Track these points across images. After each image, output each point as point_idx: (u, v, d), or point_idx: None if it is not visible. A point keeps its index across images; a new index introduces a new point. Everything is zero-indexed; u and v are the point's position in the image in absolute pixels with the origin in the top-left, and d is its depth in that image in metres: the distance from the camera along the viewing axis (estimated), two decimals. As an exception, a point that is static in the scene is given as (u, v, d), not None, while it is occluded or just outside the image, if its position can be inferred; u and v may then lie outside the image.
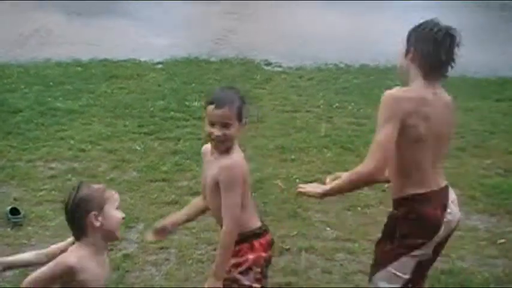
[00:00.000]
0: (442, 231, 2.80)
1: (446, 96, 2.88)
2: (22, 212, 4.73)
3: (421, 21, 2.87)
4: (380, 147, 2.69)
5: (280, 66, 9.12)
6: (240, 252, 2.83)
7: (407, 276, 2.82)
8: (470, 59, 9.20)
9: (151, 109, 7.28)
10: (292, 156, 6.11)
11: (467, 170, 5.84)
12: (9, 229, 4.59)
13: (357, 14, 11.86)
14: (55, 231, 4.46)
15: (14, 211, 4.73)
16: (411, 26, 2.89)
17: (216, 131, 2.78)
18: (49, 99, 7.41)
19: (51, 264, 2.45)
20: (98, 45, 9.87)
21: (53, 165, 5.71)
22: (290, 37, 10.66)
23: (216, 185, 2.78)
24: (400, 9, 12.24)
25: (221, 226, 2.80)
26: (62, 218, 4.92)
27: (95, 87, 8.02)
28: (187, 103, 7.53)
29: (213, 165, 2.83)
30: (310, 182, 5.56)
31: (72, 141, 6.22)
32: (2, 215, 4.73)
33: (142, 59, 9.25)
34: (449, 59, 2.80)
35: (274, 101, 7.77)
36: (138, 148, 6.14)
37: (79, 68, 8.75)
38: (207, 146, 2.96)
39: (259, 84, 8.35)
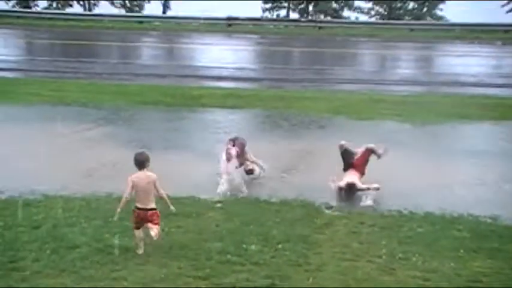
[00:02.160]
0: None
1: None
2: None
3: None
4: None
5: (341, 211, 8.96)
6: None
7: None
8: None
9: (208, 251, 7.19)
10: (353, 312, 5.79)
11: None
12: None
13: (422, 159, 11.75)
14: None
15: None
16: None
17: None
18: (107, 235, 7.47)
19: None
20: (160, 181, 10.06)
21: (104, 308, 5.61)
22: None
23: None
24: (466, 154, 12.08)
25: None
26: None
27: (153, 224, 8.05)
28: (244, 246, 7.43)
29: None
30: None
31: (125, 283, 6.15)
32: None
33: (202, 197, 9.30)
34: None
35: (334, 248, 7.56)
36: (192, 294, 5.99)
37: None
38: None
39: (318, 229, 8.18)
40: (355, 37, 32.96)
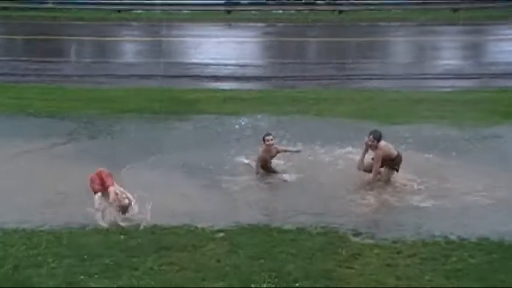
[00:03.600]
0: None
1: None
2: None
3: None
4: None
5: (372, 238, 8.98)
6: None
7: None
8: None
9: (208, 293, 7.20)
10: None
11: None
12: None
13: (474, 171, 11.71)
14: None
15: None
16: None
17: None
18: (81, 277, 7.49)
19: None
20: (144, 207, 10.11)
21: None
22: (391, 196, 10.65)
23: None
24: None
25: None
26: None
27: (139, 261, 8.13)
28: (253, 285, 7.44)
29: None
30: None
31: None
32: None
33: (200, 225, 9.34)
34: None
35: (365, 285, 7.56)
36: None
37: (122, 237, 8.91)
38: None
39: (344, 262, 8.19)
40: (384, 22, 32.93)
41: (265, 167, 11.61)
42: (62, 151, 12.95)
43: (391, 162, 11.05)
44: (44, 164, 12.07)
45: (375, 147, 10.97)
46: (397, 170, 11.09)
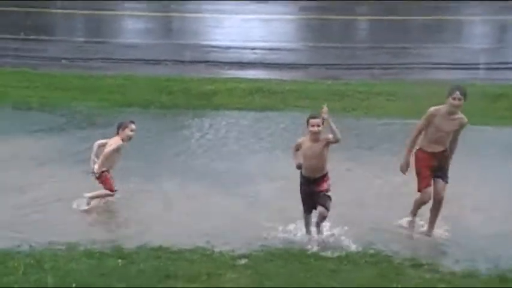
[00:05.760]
0: None
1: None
2: None
3: None
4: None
5: (435, 271, 8.93)
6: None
7: None
8: None
9: None
10: None
11: None
12: None
13: None
14: None
15: None
16: None
17: None
18: None
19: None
20: (149, 223, 10.18)
21: None
22: (460, 217, 10.61)
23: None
24: None
25: None
26: None
27: (140, 293, 8.16)
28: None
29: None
30: None
31: None
32: None
33: (218, 249, 9.37)
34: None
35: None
36: None
37: (119, 261, 8.93)
38: None
39: (401, 300, 8.20)
40: (456, -4, 32.88)
41: (306, 166, 9.79)
42: (46, 153, 13.04)
43: None
44: (23, 170, 12.15)
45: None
46: None
